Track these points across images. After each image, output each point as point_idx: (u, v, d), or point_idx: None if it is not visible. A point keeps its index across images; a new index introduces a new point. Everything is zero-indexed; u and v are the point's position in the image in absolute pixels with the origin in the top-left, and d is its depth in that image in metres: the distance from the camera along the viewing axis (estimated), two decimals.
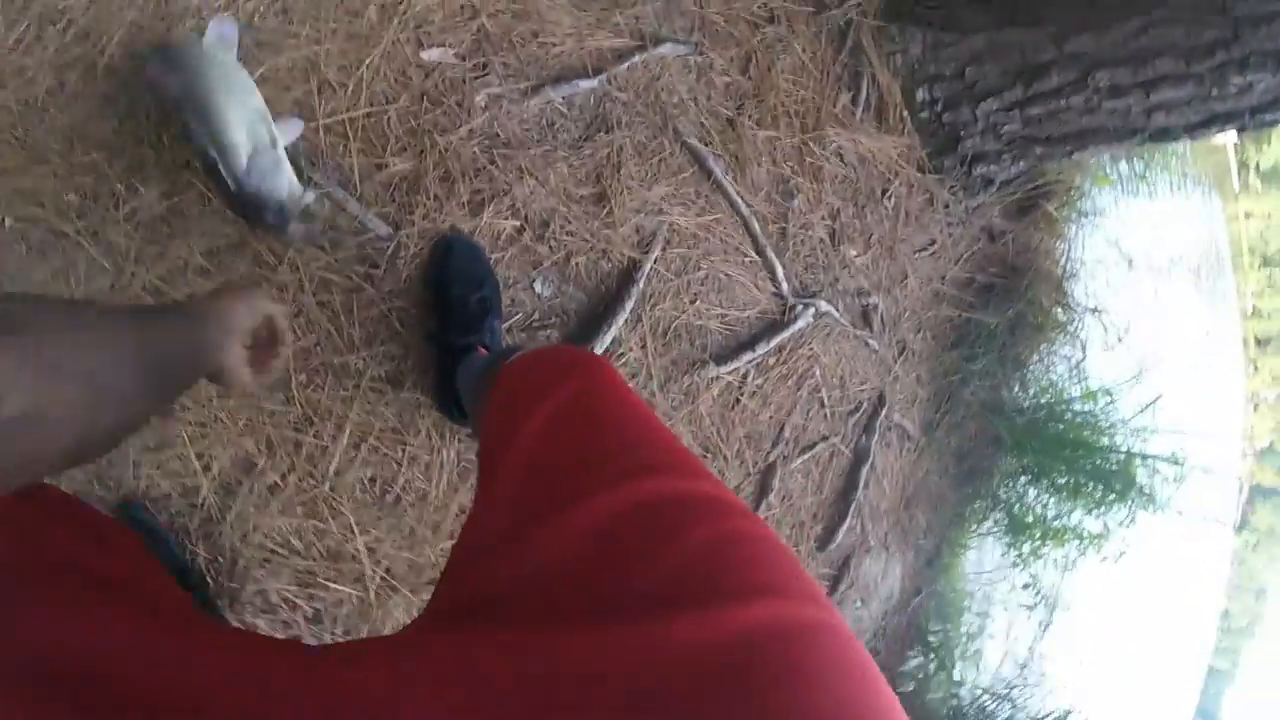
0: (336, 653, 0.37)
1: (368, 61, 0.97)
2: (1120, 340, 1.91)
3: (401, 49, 1.00)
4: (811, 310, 1.19)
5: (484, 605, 0.34)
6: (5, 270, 0.90)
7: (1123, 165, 2.18)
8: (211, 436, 0.90)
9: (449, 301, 0.91)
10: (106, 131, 0.92)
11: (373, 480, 0.98)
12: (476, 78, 1.04)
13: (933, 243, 1.39)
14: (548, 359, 0.54)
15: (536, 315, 1.02)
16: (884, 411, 1.32)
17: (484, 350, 0.91)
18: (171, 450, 0.89)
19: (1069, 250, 1.80)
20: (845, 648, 0.29)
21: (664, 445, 0.41)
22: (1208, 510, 1.91)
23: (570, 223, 1.03)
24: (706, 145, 1.13)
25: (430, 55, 1.03)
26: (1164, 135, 1.48)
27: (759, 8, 1.22)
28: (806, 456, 1.22)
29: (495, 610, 0.33)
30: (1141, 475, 1.75)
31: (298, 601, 0.92)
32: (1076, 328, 1.81)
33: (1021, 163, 1.58)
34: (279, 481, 0.93)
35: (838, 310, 1.23)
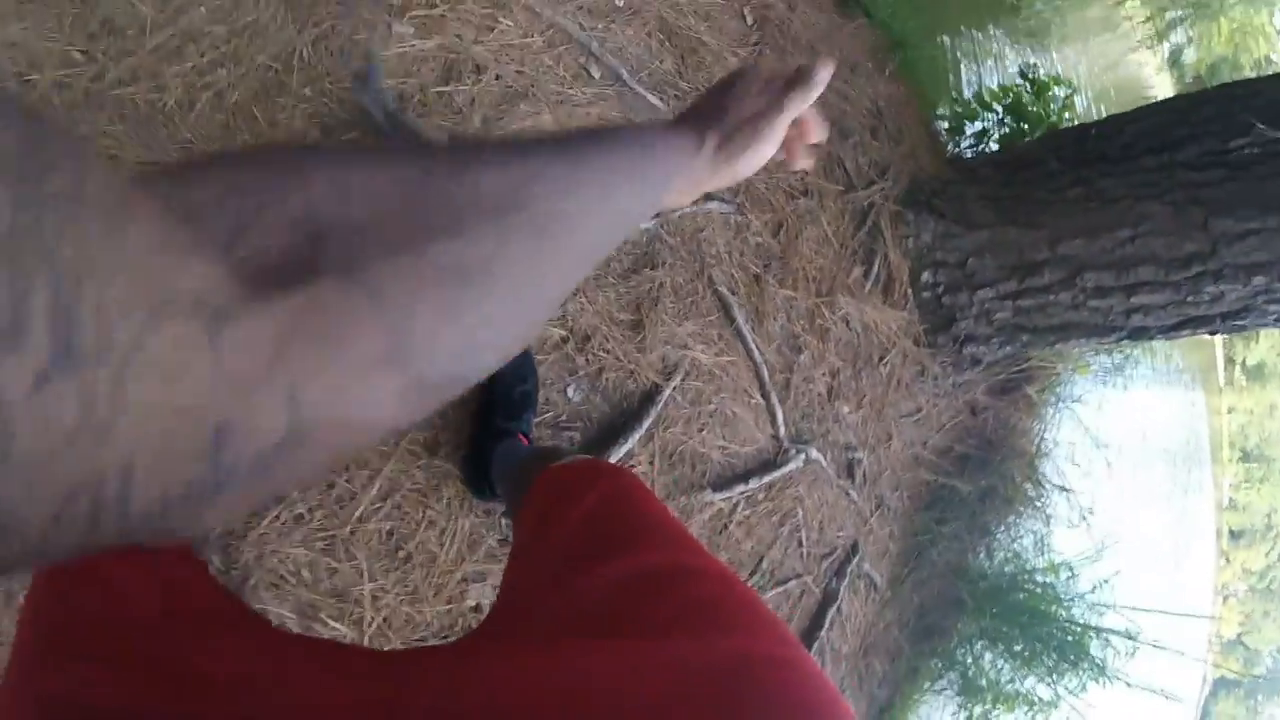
0: (405, 658, 0.48)
1: None
2: (1085, 519, 2.01)
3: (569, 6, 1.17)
4: (803, 456, 1.31)
5: (535, 626, 0.44)
6: None
7: (1103, 356, 2.36)
8: None
9: (496, 389, 1.02)
10: None
11: (390, 534, 1.06)
12: None
13: (919, 410, 1.52)
14: (594, 462, 0.67)
15: (565, 417, 1.13)
16: (855, 560, 1.40)
17: (523, 438, 1.02)
18: None
19: (1044, 430, 1.93)
20: (820, 677, 0.37)
21: (678, 532, 0.52)
22: (1168, 689, 1.95)
23: (608, 342, 1.16)
24: (734, 295, 1.28)
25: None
26: (1141, 334, 1.65)
27: (796, 181, 1.41)
28: (779, 590, 1.30)
29: (543, 631, 0.43)
30: (1095, 647, 1.81)
31: (295, 630, 0.98)
32: (1044, 504, 1.92)
33: (1009, 347, 1.74)
34: (305, 514, 1.01)
35: (826, 460, 1.35)
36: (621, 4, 1.37)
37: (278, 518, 1.01)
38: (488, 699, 0.37)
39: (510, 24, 1.28)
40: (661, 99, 1.32)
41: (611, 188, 0.30)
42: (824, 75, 0.42)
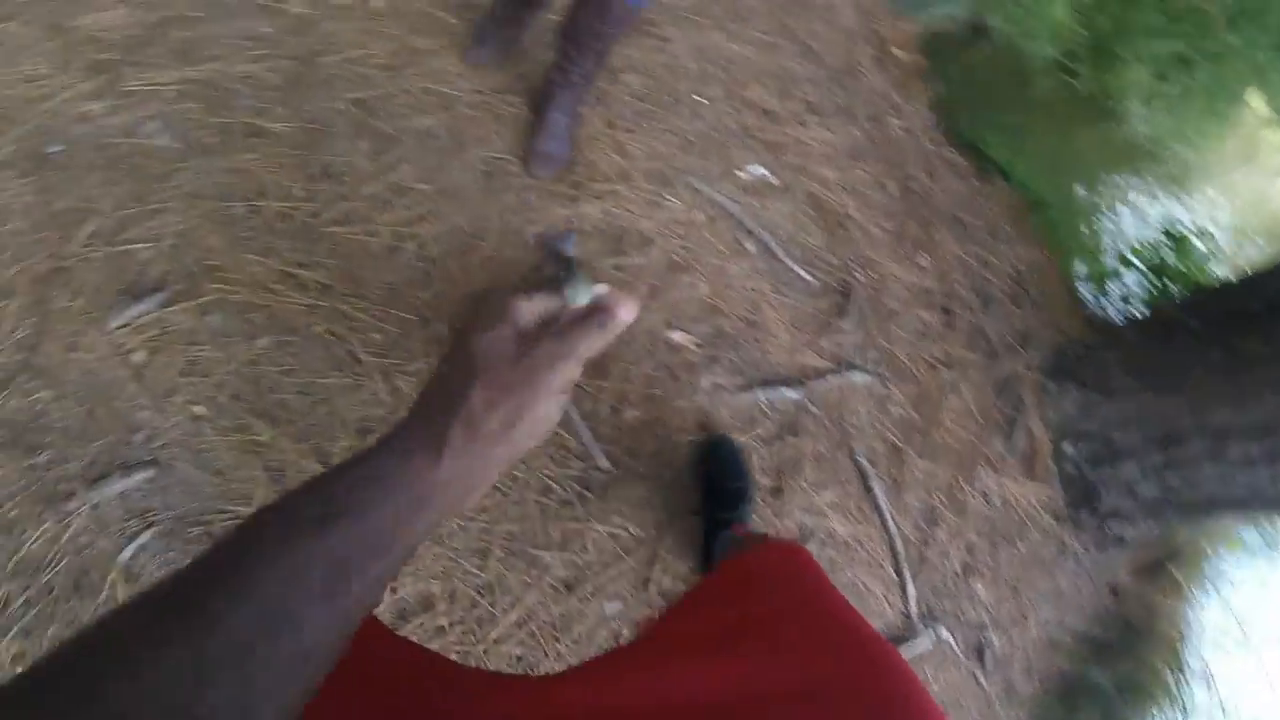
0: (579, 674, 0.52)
1: (634, 337, 1.24)
2: (1224, 714, 1.80)
3: (657, 323, 1.28)
4: (932, 635, 1.28)
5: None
6: (303, 361, 1.18)
7: (1256, 531, 2.16)
8: (410, 569, 1.09)
9: (712, 486, 1.14)
10: (418, 302, 1.23)
11: (519, 659, 1.12)
12: (706, 365, 1.29)
13: (1057, 591, 1.46)
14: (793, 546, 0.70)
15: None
16: None
17: (737, 527, 1.12)
18: None
19: (1189, 615, 1.78)
20: None
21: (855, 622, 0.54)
22: None
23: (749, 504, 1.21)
24: (873, 466, 1.30)
25: (675, 336, 1.30)
26: None
27: (940, 352, 1.44)
28: None
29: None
30: None
31: None
32: (1185, 696, 1.74)
33: (1154, 523, 1.64)
34: (446, 626, 1.09)
35: (956, 640, 1.31)
36: (777, 182, 1.49)
37: (422, 624, 1.10)
38: None
39: (674, 201, 1.42)
40: (809, 272, 1.41)
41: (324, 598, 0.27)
42: (628, 315, 0.35)
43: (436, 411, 0.32)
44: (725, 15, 1.75)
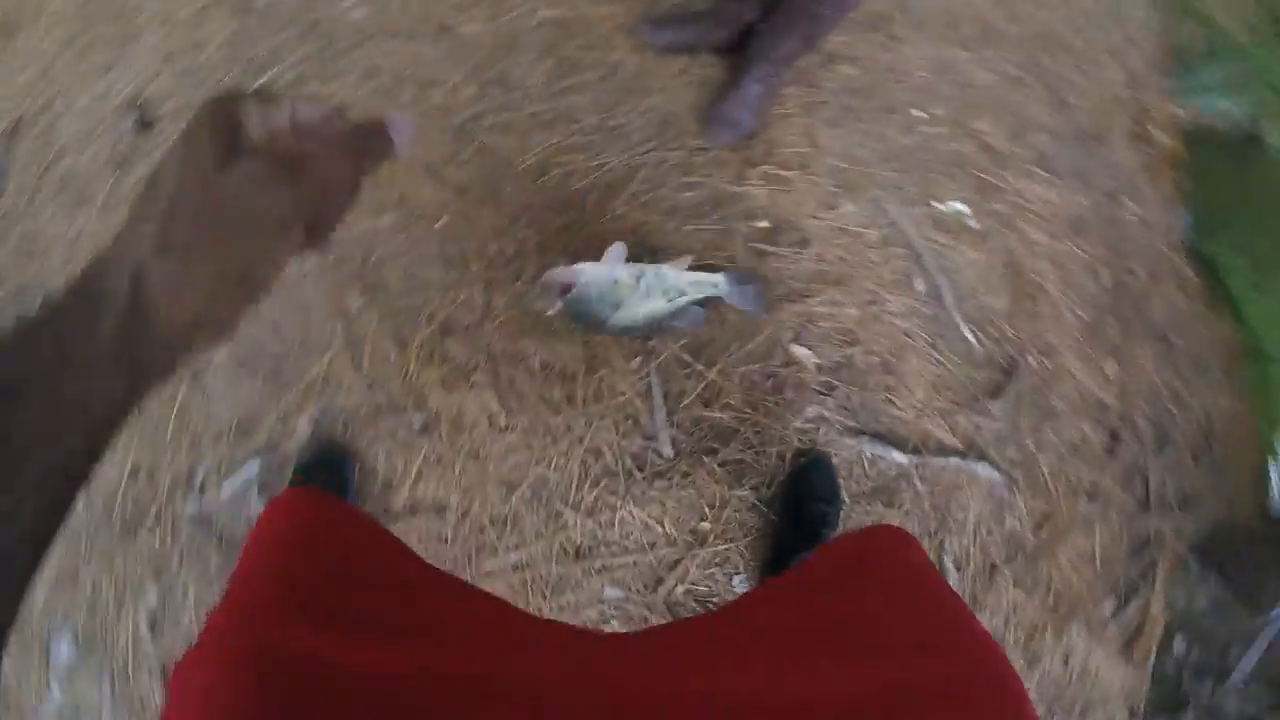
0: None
1: (755, 335, 1.13)
2: None
3: (783, 330, 1.15)
4: None
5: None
6: (417, 248, 1.16)
7: None
8: (437, 472, 1.06)
9: (802, 504, 1.06)
10: (545, 228, 1.19)
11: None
12: (819, 392, 1.15)
13: None
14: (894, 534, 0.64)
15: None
16: None
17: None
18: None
19: None
20: None
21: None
22: None
23: None
24: (958, 570, 1.14)
25: (798, 351, 1.17)
26: None
27: (1088, 478, 1.23)
28: None
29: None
30: None
31: None
32: None
33: None
34: (448, 538, 1.05)
35: None
36: (976, 226, 1.29)
37: (427, 526, 1.08)
38: None
39: (852, 209, 1.26)
40: (976, 335, 1.22)
41: None
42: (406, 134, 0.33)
43: None
44: (974, 35, 1.52)
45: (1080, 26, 1.71)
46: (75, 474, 0.24)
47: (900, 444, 1.14)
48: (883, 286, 1.21)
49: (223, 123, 0.28)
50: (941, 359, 1.19)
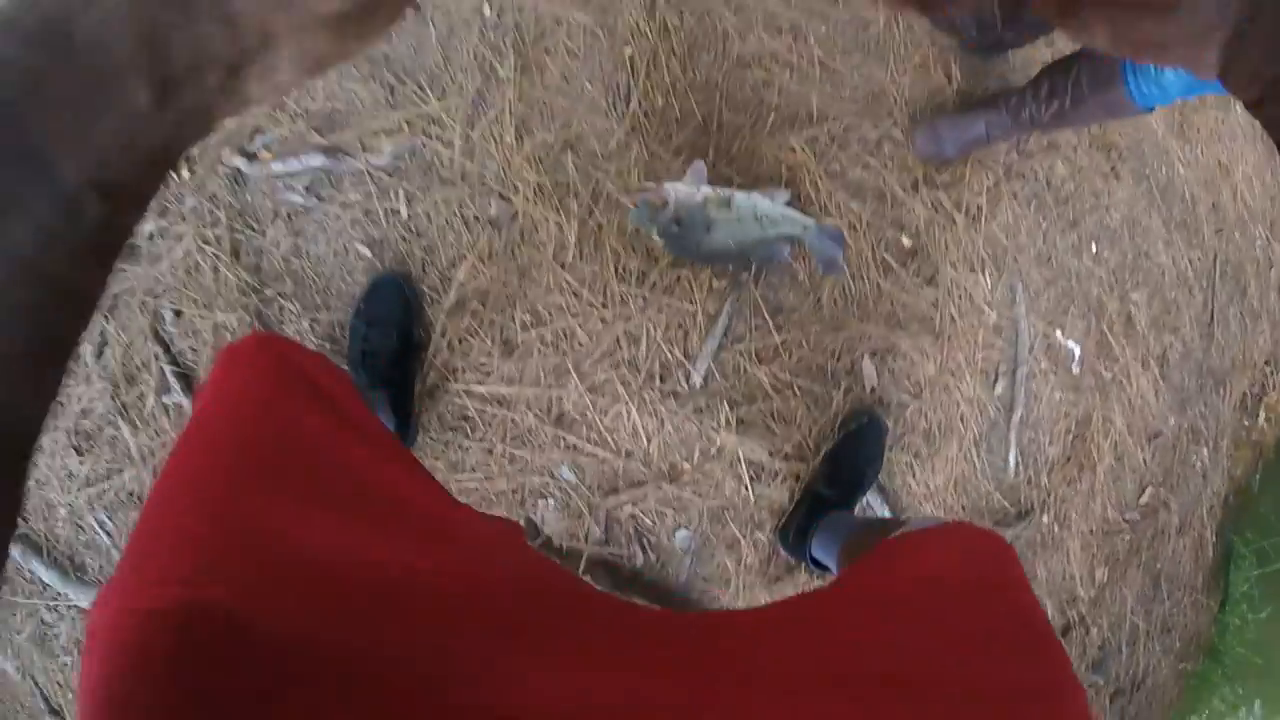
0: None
1: (838, 329, 1.08)
2: None
3: (861, 343, 1.11)
4: None
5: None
6: (593, 82, 1.10)
7: None
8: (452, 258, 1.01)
9: (853, 465, 1.05)
10: (724, 130, 1.12)
11: (465, 419, 1.03)
12: (876, 401, 1.10)
13: None
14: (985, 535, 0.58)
15: (652, 556, 1.04)
16: None
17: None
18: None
19: None
20: None
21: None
22: None
23: None
24: None
25: (866, 366, 1.12)
26: None
27: None
28: None
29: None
30: None
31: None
32: None
33: None
34: (475, 331, 1.00)
35: None
36: (1075, 372, 1.25)
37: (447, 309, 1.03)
38: None
39: (988, 283, 1.21)
40: (1018, 464, 1.19)
41: None
42: None
43: None
44: (1178, 218, 1.47)
45: (1270, 279, 1.66)
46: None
47: (895, 507, 1.11)
48: (970, 366, 1.16)
49: None
50: (977, 463, 1.15)
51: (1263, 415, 1.67)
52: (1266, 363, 1.68)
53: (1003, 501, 1.17)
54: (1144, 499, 1.33)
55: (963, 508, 1.14)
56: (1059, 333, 1.25)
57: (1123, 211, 1.39)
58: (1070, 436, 1.24)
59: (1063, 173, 1.33)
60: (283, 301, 1.02)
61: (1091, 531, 1.25)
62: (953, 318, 1.16)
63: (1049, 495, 1.20)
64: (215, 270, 1.00)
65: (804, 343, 1.09)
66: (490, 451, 1.04)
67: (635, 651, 0.41)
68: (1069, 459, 1.23)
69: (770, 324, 1.08)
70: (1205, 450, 1.46)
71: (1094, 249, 1.33)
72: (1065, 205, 1.32)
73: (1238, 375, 1.59)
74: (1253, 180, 1.64)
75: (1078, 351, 1.26)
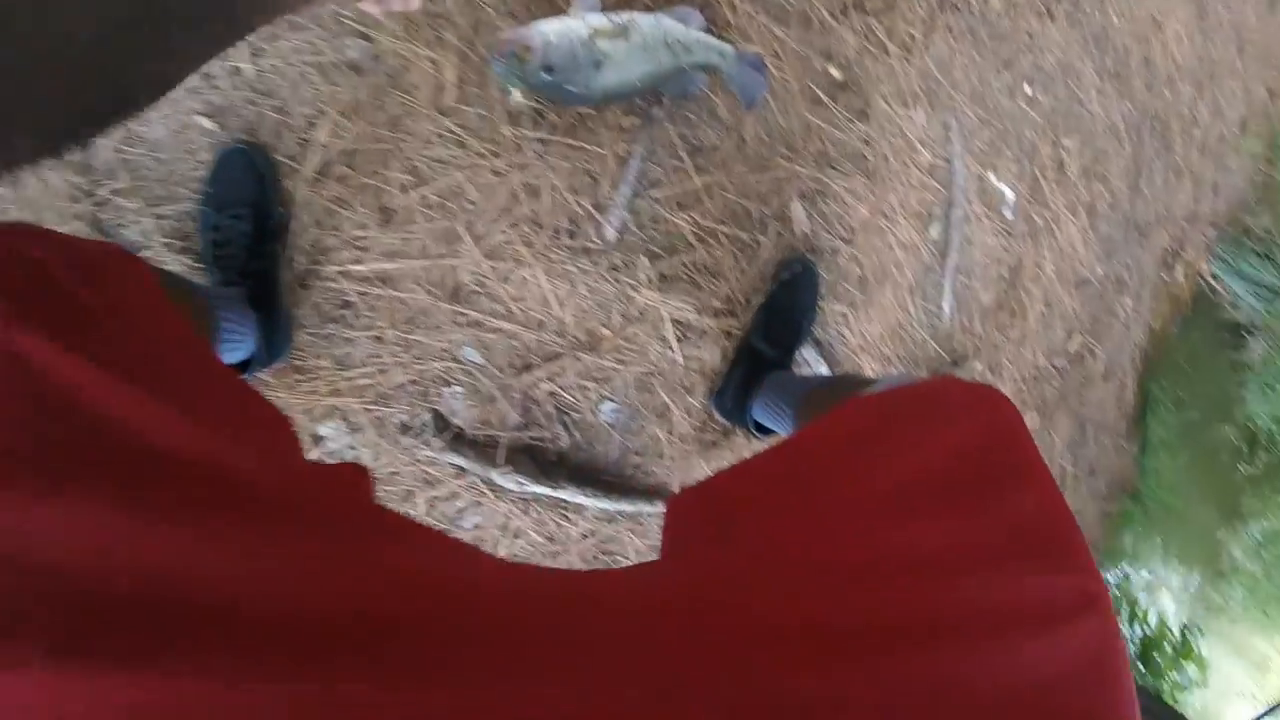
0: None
1: (765, 170, 0.97)
2: None
3: (790, 185, 1.01)
4: None
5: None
6: None
7: None
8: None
9: (788, 318, 0.97)
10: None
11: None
12: (807, 245, 1.03)
13: None
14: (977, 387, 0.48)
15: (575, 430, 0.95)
16: None
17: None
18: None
19: None
20: None
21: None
22: None
23: None
24: None
25: (796, 209, 1.03)
26: None
27: None
28: None
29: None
30: None
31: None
32: None
33: None
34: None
35: None
36: (1009, 217, 1.20)
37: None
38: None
39: (923, 120, 1.13)
40: (952, 311, 1.14)
41: None
42: None
43: None
44: (1112, 67, 1.43)
45: (1194, 137, 1.66)
46: None
47: (830, 363, 1.05)
48: (904, 209, 1.10)
49: None
50: (912, 311, 1.11)
51: (1181, 270, 1.71)
52: (1186, 219, 1.70)
53: (938, 349, 1.14)
54: (1072, 346, 1.33)
55: (899, 357, 1.10)
56: (993, 175, 1.19)
57: (1057, 55, 1.32)
58: (1003, 283, 1.20)
59: (998, 7, 1.24)
60: (120, 200, 0.84)
61: (1023, 378, 1.24)
62: (886, 156, 1.08)
63: (982, 342, 1.18)
64: (41, 179, 0.81)
65: (727, 185, 0.98)
66: (380, 340, 0.91)
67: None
68: (1001, 306, 1.20)
69: (689, 166, 0.97)
70: (1129, 300, 1.48)
71: (1028, 91, 1.26)
72: (1000, 42, 1.24)
73: (1160, 230, 1.61)
74: (1183, 38, 1.61)
75: (1011, 196, 1.21)
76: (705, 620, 0.31)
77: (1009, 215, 1.21)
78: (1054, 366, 1.29)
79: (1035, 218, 1.25)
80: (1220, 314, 1.85)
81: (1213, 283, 1.83)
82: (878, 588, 0.32)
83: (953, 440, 0.38)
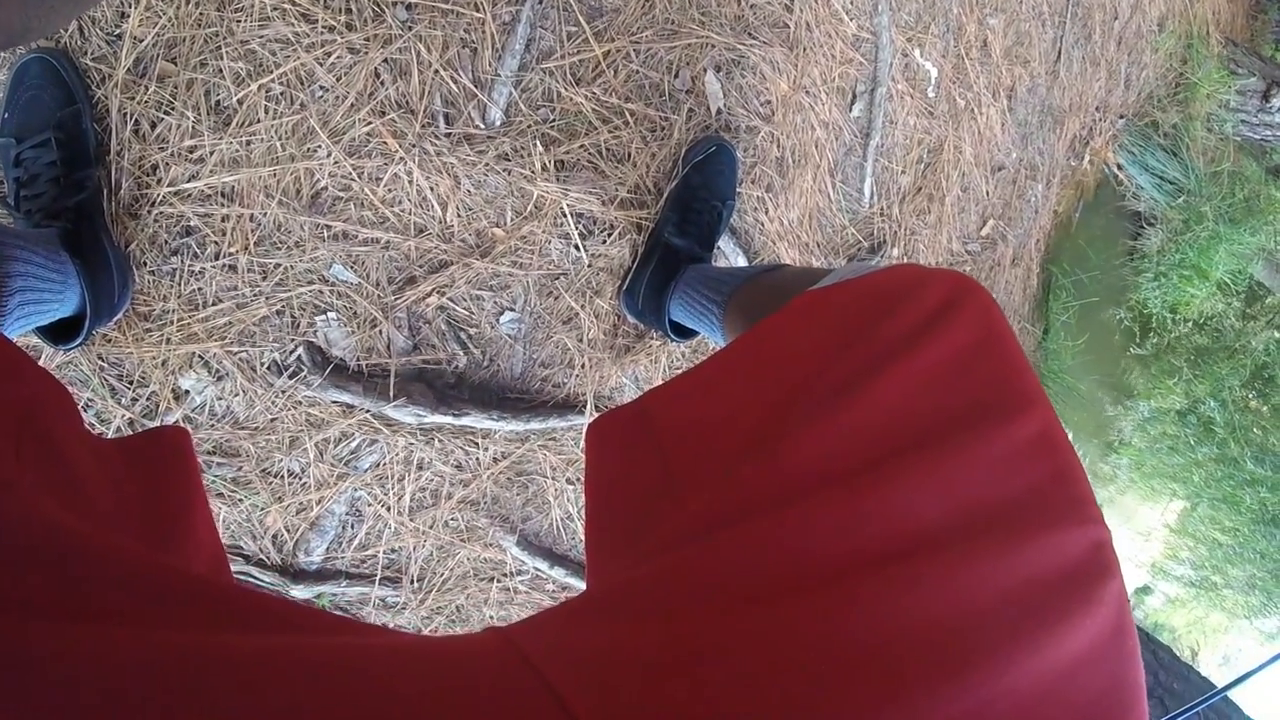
0: None
1: (673, 39, 0.89)
2: None
3: (702, 53, 0.94)
4: None
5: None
6: None
7: None
8: None
9: (705, 205, 0.89)
10: None
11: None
12: (723, 125, 0.98)
13: None
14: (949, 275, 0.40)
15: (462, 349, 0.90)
16: None
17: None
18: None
19: None
20: None
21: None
22: None
23: None
24: None
25: (710, 81, 0.96)
26: None
27: None
28: None
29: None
30: None
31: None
32: None
33: None
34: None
35: None
36: (931, 96, 1.18)
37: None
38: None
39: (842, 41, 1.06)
40: (873, 194, 1.13)
41: None
42: None
43: None
44: None
45: (1113, 29, 1.64)
46: None
47: (748, 253, 1.03)
48: (826, 84, 1.05)
49: None
50: (832, 195, 1.09)
51: (1087, 157, 1.75)
52: (1098, 108, 1.72)
53: (856, 235, 1.13)
54: (985, 230, 1.36)
55: (817, 244, 1.09)
56: (918, 52, 1.15)
57: None
58: (922, 166, 1.20)
59: None
60: None
61: (937, 264, 1.27)
62: (809, 25, 1.01)
63: (899, 227, 1.19)
64: None
65: (632, 55, 0.90)
66: (234, 269, 0.79)
67: None
68: (919, 189, 1.20)
69: (587, 31, 0.87)
70: (1039, 186, 1.51)
71: None
72: None
73: (1072, 117, 1.62)
74: None
75: (935, 74, 1.18)
76: None
77: (931, 94, 1.18)
78: (967, 251, 1.32)
79: (957, 98, 1.23)
80: (1122, 203, 1.94)
81: (1118, 172, 1.89)
82: (879, 601, 0.27)
83: (933, 355, 0.34)
